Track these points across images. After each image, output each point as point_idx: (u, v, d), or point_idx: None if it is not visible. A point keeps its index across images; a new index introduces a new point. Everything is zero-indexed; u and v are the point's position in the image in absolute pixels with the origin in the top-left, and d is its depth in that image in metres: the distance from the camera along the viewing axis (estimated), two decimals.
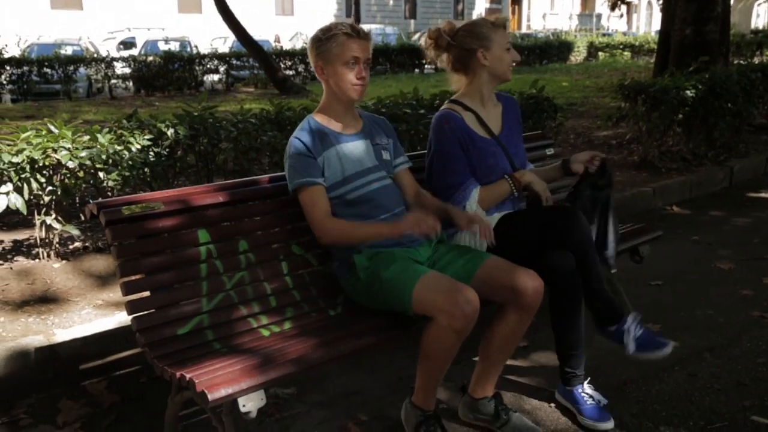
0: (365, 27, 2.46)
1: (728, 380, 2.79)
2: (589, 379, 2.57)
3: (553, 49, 23.69)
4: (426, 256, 2.45)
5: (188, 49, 18.23)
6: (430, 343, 2.17)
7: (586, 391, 2.53)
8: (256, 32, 16.58)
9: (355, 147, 2.48)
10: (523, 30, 39.49)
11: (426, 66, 21.05)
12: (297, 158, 2.40)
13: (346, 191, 2.42)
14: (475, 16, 39.33)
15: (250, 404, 1.90)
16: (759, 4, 32.51)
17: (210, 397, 1.83)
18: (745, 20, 29.32)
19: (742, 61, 13.04)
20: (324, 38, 2.36)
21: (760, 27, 31.91)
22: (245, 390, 1.89)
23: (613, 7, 25.71)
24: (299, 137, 2.42)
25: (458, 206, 2.58)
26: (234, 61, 17.04)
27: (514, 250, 2.44)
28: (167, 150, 3.82)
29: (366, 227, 2.37)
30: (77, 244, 3.88)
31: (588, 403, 2.50)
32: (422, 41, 2.76)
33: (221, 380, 1.89)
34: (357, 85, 2.39)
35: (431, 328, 2.15)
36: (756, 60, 15.79)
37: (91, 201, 2.26)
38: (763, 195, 5.95)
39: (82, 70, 15.23)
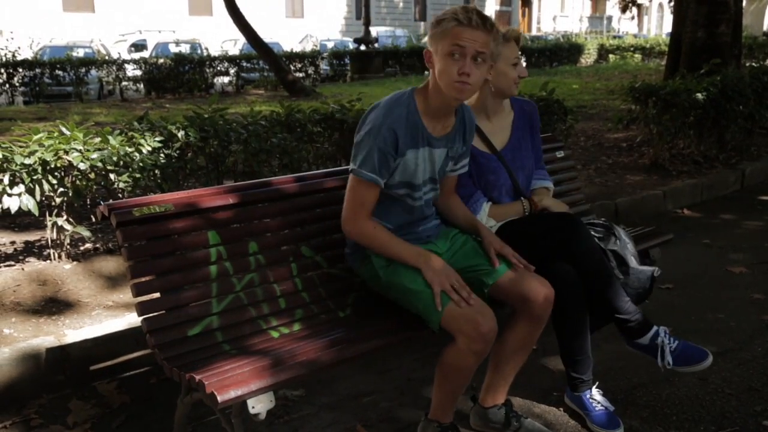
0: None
1: (739, 385, 2.77)
2: (597, 383, 2.56)
3: (564, 51, 23.61)
4: (445, 248, 2.39)
5: (199, 52, 18.30)
6: (449, 365, 2.17)
7: (594, 396, 2.52)
8: (266, 34, 16.63)
9: (432, 155, 2.30)
10: (534, 32, 39.39)
11: None
12: (379, 147, 2.16)
13: (404, 194, 2.31)
14: None
15: (259, 406, 1.91)
16: None
17: (219, 398, 1.83)
18: (758, 22, 29.17)
19: (754, 64, 12.96)
20: (436, 22, 2.15)
21: None
22: (254, 392, 1.89)
23: (623, 10, 25.67)
24: (394, 125, 2.17)
25: (475, 202, 2.62)
26: (244, 64, 17.10)
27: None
28: (177, 152, 3.84)
29: (401, 248, 2.24)
30: (88, 245, 3.90)
31: (597, 409, 2.48)
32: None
33: (231, 382, 1.89)
34: (457, 82, 2.10)
35: (450, 351, 2.14)
36: None
37: (102, 203, 2.27)
38: None
39: (93, 72, 15.32)
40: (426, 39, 2.23)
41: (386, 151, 2.17)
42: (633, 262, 2.61)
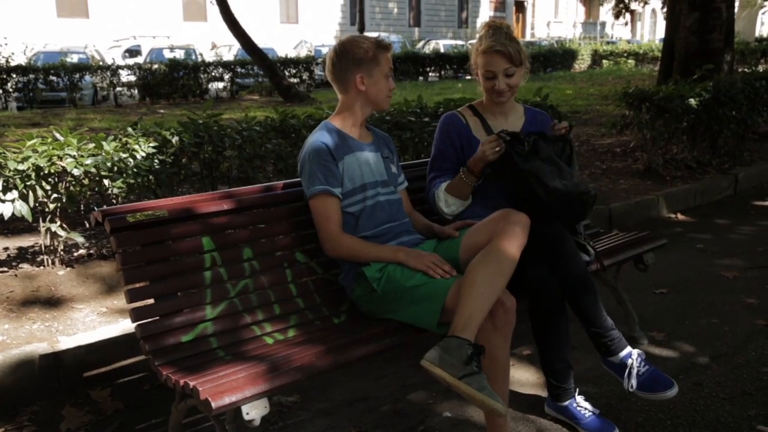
0: (370, 35, 2.48)
1: (733, 389, 2.77)
2: (578, 390, 2.55)
3: (558, 56, 23.72)
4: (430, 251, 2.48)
5: (193, 57, 18.29)
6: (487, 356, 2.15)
7: (580, 404, 2.50)
8: (261, 40, 16.64)
9: (370, 157, 2.54)
10: (528, 38, 39.55)
11: (430, 74, 21.11)
12: (318, 161, 2.40)
13: (362, 198, 2.46)
14: (479, 24, 39.42)
15: (253, 412, 1.90)
16: (763, 13, 32.52)
17: (213, 404, 1.82)
18: (750, 28, 29.29)
19: (746, 69, 13.03)
20: (364, 50, 2.47)
21: (765, 35, 31.91)
22: (249, 398, 1.89)
23: (617, 15, 25.77)
24: (321, 139, 2.44)
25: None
26: (239, 69, 17.11)
27: None
28: (172, 157, 3.83)
29: (379, 249, 2.40)
30: (82, 251, 3.89)
31: (587, 416, 2.47)
32: None
33: (225, 388, 1.89)
34: (388, 97, 2.54)
35: (482, 340, 2.13)
36: (760, 68, 15.78)
37: (96, 208, 2.27)
38: (767, 203, 5.94)
39: (87, 77, 15.30)
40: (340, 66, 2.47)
41: (325, 161, 2.41)
42: (557, 182, 2.50)
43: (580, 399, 2.52)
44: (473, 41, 2.86)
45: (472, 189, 2.70)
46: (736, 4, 12.03)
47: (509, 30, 2.75)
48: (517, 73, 2.72)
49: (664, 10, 11.03)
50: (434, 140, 2.87)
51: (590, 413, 2.48)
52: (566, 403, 2.51)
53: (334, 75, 2.49)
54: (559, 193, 2.49)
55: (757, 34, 30.89)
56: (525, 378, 2.92)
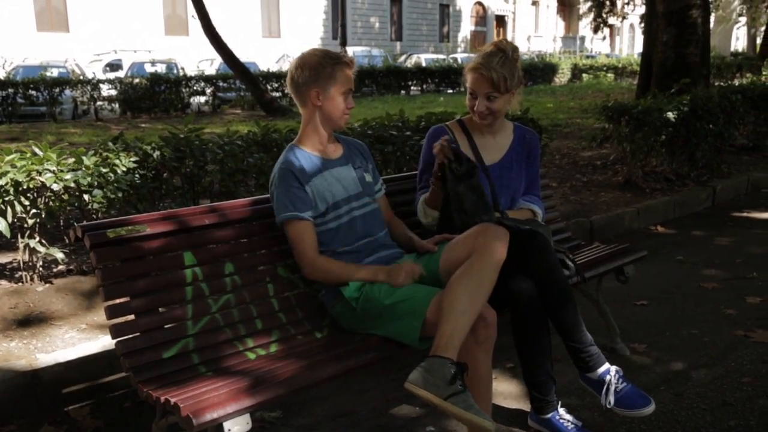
0: (350, 49, 2.49)
1: (714, 400, 2.80)
2: (560, 403, 2.55)
3: (538, 70, 23.96)
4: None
5: (175, 71, 18.23)
6: (470, 368, 2.14)
7: (563, 416, 2.51)
8: (243, 54, 16.63)
9: (340, 173, 2.52)
10: None
11: (412, 88, 21.21)
12: (284, 187, 2.41)
13: (335, 216, 2.46)
14: (460, 39, 39.76)
15: (236, 428, 1.89)
16: (738, 28, 33.16)
17: (195, 421, 1.81)
18: (725, 43, 29.87)
19: (722, 83, 13.25)
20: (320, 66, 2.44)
21: (740, 49, 32.52)
22: (231, 414, 1.87)
23: (596, 30, 26.15)
24: (286, 164, 2.44)
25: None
26: (220, 83, 17.08)
27: None
28: (153, 172, 3.81)
29: (358, 271, 2.39)
30: (61, 267, 3.84)
31: (570, 428, 2.48)
32: None
33: (207, 404, 1.87)
34: (346, 114, 2.51)
35: (463, 353, 2.12)
36: (736, 82, 16.06)
37: (75, 224, 2.25)
38: (745, 215, 6.03)
39: (67, 92, 15.16)
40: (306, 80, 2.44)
41: (291, 186, 2.41)
42: (476, 214, 2.53)
43: (562, 411, 2.53)
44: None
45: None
46: (712, 19, 12.25)
47: (512, 54, 2.66)
48: (501, 99, 2.68)
49: (642, 24, 11.22)
50: (422, 152, 2.85)
51: (573, 425, 2.49)
52: (549, 415, 2.51)
53: (293, 87, 2.48)
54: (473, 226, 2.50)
55: (732, 48, 31.47)
56: (508, 391, 2.92)
